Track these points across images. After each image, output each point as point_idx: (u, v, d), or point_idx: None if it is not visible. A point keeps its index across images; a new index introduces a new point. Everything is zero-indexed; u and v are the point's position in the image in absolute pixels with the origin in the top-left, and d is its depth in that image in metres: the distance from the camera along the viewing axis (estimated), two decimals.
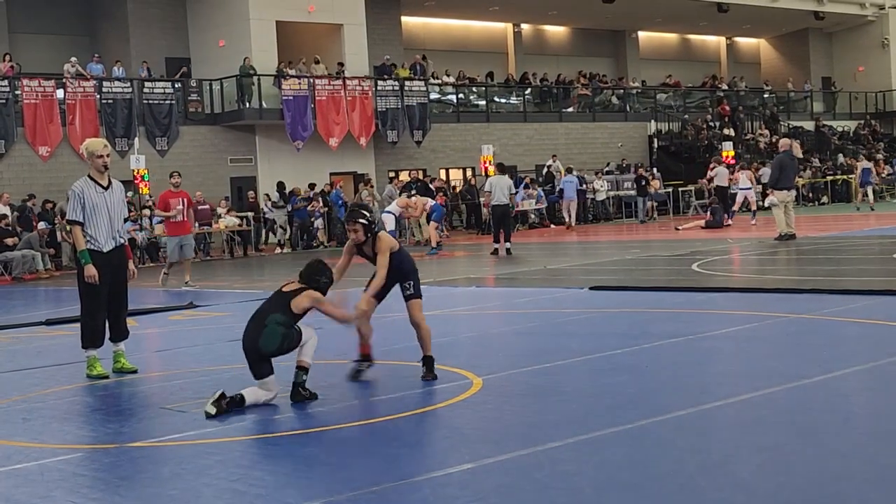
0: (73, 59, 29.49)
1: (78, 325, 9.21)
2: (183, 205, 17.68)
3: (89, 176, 9.00)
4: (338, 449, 5.92)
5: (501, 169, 22.73)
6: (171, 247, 18.18)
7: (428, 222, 25.12)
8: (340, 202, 29.55)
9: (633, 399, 6.63)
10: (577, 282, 14.42)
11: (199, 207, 27.70)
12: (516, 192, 25.41)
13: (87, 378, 8.76)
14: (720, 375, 7.50)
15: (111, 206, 8.96)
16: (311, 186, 29.97)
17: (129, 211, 26.36)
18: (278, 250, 28.60)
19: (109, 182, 9.05)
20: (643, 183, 33.52)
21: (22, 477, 5.66)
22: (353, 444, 6.02)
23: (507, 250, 20.87)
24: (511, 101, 39.32)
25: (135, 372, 8.92)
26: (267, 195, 29.96)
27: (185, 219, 17.89)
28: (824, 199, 38.40)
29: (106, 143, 9.23)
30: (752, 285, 13.06)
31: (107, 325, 8.99)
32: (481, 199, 32.52)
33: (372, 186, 30.07)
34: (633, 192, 34.50)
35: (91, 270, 8.70)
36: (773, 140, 38.65)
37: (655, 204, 35.28)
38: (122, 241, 9.07)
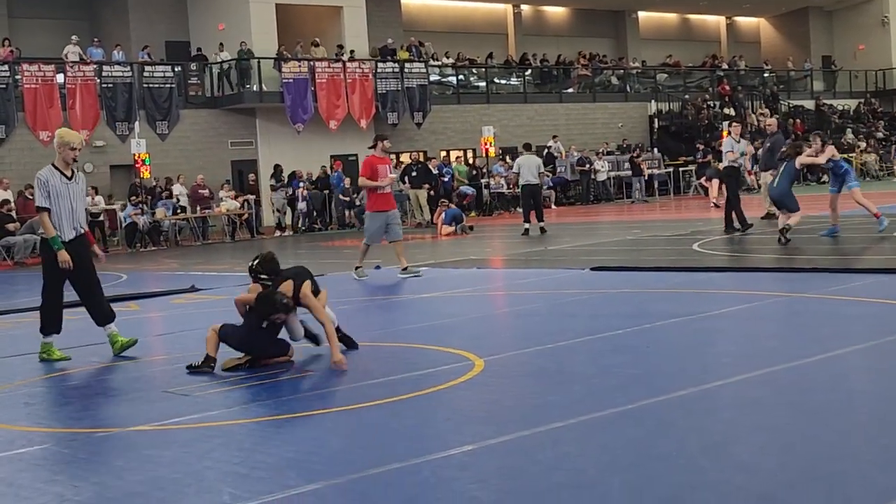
0: (74, 37, 29.47)
1: (78, 309, 9.35)
2: (391, 173, 14.77)
3: (54, 165, 9.05)
4: (338, 431, 5.93)
5: (529, 148, 22.68)
6: (375, 227, 14.47)
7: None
8: (341, 184, 29.59)
9: (635, 379, 6.63)
10: (578, 262, 14.42)
11: (199, 191, 27.81)
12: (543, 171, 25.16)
13: (41, 363, 8.88)
14: (721, 355, 7.50)
15: (74, 196, 9.08)
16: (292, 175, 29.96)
17: (131, 196, 26.43)
18: (278, 233, 28.62)
19: (73, 173, 9.12)
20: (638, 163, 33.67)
21: (24, 461, 5.67)
22: (353, 426, 6.02)
23: (542, 229, 20.80)
24: (511, 83, 39.22)
25: (135, 342, 9.08)
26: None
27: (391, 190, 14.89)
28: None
29: (82, 139, 9.30)
30: (753, 265, 13.05)
31: (67, 313, 9.16)
32: (483, 181, 32.52)
33: None
34: (630, 173, 34.55)
35: (64, 255, 8.88)
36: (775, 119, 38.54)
37: (655, 184, 35.24)
38: (83, 230, 9.19)
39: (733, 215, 17.50)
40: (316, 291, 8.10)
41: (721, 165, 18.26)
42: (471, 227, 24.18)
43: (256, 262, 8.37)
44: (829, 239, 15.09)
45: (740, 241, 16.43)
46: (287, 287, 7.92)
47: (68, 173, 9.07)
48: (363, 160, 15.13)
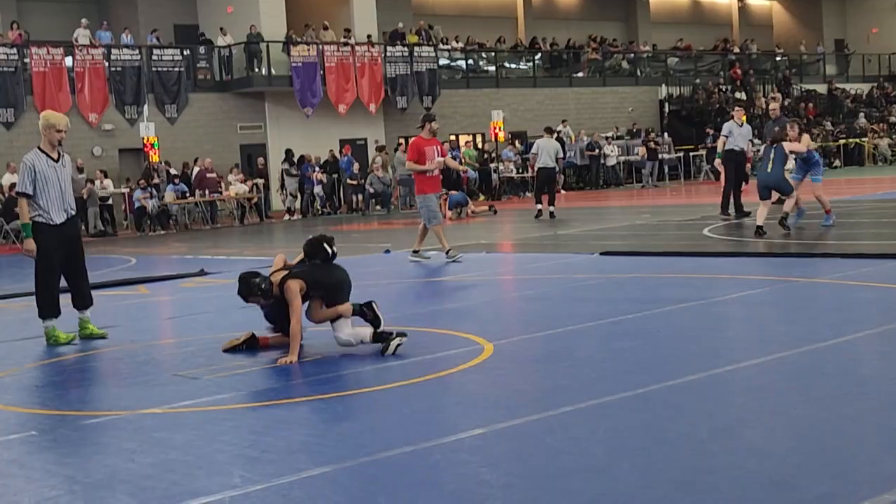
0: (84, 20, 29.49)
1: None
2: (438, 155, 14.03)
3: (40, 148, 9.04)
4: (349, 415, 5.94)
5: (550, 132, 22.85)
6: (435, 205, 14.10)
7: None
8: (350, 169, 29.59)
9: (645, 364, 6.63)
10: (588, 247, 14.40)
11: (208, 175, 27.80)
12: (563, 157, 25.42)
13: (49, 347, 8.88)
14: (731, 340, 7.49)
15: (62, 178, 9.06)
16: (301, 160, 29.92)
17: (140, 179, 26.47)
18: (287, 217, 28.65)
19: (59, 155, 9.11)
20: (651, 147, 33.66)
21: (35, 444, 5.69)
22: (364, 410, 6.03)
23: (551, 214, 20.97)
24: (521, 67, 39.12)
25: (104, 337, 9.06)
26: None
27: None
28: (836, 162, 38.21)
29: (68, 122, 9.31)
30: (763, 250, 13.02)
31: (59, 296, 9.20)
32: (491, 166, 32.48)
33: (386, 153, 30.04)
34: (638, 158, 34.49)
35: (31, 245, 8.94)
36: (786, 104, 38.40)
37: (666, 169, 35.17)
38: (73, 212, 9.18)
39: (740, 199, 17.48)
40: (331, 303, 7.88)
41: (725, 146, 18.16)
42: (494, 210, 24.55)
43: (310, 242, 8.10)
44: (838, 225, 15.01)
45: (751, 226, 16.36)
46: (277, 277, 7.82)
47: (54, 156, 9.06)
48: (410, 142, 14.49)
